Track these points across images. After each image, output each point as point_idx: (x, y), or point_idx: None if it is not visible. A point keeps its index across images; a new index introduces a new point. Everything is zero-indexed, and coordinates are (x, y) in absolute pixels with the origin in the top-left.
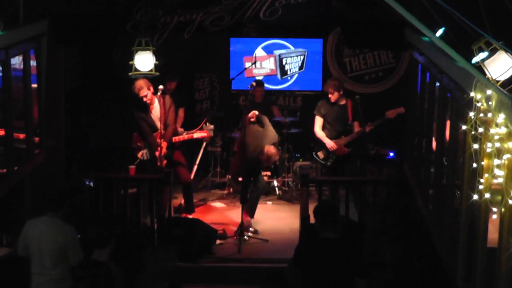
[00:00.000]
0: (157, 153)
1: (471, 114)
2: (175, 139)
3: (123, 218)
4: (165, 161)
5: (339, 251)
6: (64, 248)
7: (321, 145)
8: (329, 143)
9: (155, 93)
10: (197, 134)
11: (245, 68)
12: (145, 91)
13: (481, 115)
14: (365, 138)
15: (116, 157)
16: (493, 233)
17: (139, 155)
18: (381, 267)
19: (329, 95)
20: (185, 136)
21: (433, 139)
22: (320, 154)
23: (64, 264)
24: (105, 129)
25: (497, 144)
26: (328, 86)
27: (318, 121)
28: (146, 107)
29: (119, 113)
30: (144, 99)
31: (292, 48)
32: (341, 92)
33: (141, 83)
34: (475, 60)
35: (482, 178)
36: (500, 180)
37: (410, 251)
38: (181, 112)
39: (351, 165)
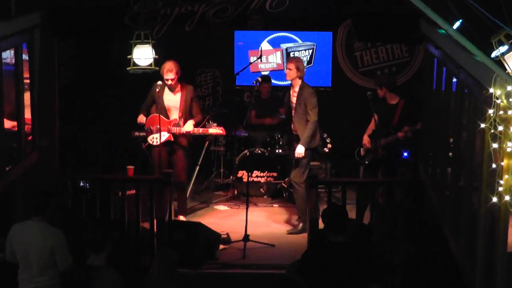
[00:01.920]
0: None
1: (490, 111)
2: (193, 131)
3: (121, 222)
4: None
5: (349, 255)
6: (51, 253)
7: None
8: (363, 139)
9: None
10: (212, 130)
11: (250, 63)
12: (172, 75)
13: (501, 112)
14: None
15: (114, 157)
16: None
17: (149, 138)
18: (390, 270)
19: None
20: (200, 129)
21: (450, 138)
22: (362, 151)
23: (52, 270)
24: (102, 127)
25: None
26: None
27: (374, 118)
28: (163, 88)
29: (117, 110)
30: (168, 81)
31: (300, 41)
32: (384, 90)
33: (171, 65)
34: (494, 54)
35: (501, 179)
36: None
37: (424, 254)
38: None
39: (384, 169)
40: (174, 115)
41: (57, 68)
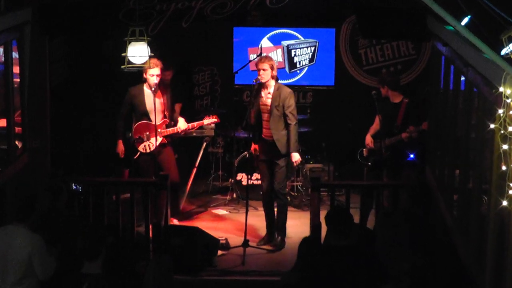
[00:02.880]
0: (156, 141)
1: (500, 111)
2: (188, 126)
3: (115, 227)
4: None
5: (353, 259)
6: (30, 261)
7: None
8: (366, 139)
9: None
10: (207, 120)
11: (250, 61)
12: (158, 70)
13: (511, 112)
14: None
15: (108, 160)
16: None
17: (141, 147)
18: (396, 278)
19: None
20: (194, 124)
21: (458, 139)
22: (365, 152)
23: (31, 279)
24: (95, 128)
25: None
26: None
27: (377, 118)
28: (142, 91)
29: (111, 110)
30: (153, 77)
31: (302, 38)
32: (386, 88)
33: (157, 61)
34: (504, 51)
35: None
36: None
37: (431, 260)
38: (177, 108)
39: (389, 171)
40: (157, 117)
41: (49, 66)
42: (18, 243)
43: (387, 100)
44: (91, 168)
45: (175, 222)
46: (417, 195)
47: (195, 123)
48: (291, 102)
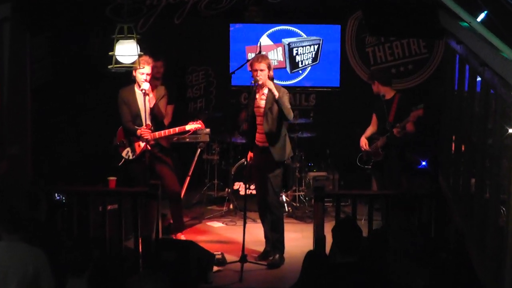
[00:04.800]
0: (138, 148)
1: None
2: (164, 133)
3: (102, 240)
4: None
5: (360, 277)
6: (35, 278)
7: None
8: (360, 142)
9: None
10: (190, 126)
11: (248, 60)
12: (149, 69)
13: None
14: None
15: (94, 167)
16: None
17: (124, 153)
18: None
19: None
20: (176, 129)
21: (474, 145)
22: (364, 156)
23: None
24: (80, 133)
25: None
26: None
27: (373, 118)
28: (133, 92)
29: (97, 114)
30: (143, 76)
31: (304, 36)
32: (376, 84)
33: (148, 59)
34: None
35: None
36: None
37: (445, 275)
38: (169, 109)
39: (387, 173)
40: (148, 119)
41: (30, 66)
42: (19, 260)
43: (380, 97)
44: (76, 176)
45: (183, 238)
46: (430, 204)
47: (176, 128)
48: (284, 99)
